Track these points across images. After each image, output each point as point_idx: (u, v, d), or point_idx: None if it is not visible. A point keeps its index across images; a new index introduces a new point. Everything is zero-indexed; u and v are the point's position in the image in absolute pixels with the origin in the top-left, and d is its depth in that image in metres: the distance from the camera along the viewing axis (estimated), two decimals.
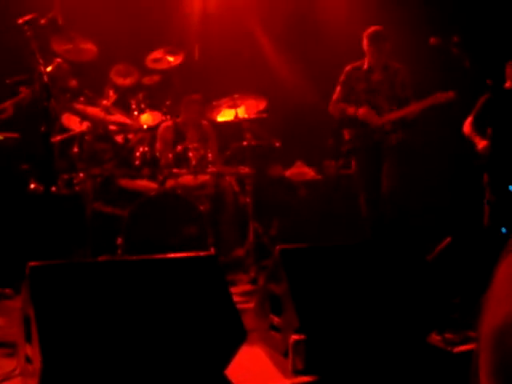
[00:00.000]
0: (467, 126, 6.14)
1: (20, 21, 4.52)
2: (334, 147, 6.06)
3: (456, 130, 6.25)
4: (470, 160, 6.24)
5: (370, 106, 5.80)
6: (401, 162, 5.83)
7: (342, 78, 6.00)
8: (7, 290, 4.98)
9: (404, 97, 5.83)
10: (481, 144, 5.99)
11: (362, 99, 5.87)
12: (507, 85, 6.11)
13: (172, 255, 3.53)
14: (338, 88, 6.00)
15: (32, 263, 2.96)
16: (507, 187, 5.96)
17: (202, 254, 3.66)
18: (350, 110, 5.83)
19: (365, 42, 5.87)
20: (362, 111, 5.76)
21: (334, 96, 5.99)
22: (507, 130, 5.99)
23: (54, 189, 5.73)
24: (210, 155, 5.67)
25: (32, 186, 5.85)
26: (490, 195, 6.06)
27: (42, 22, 5.04)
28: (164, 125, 6.37)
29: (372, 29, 5.86)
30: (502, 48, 6.94)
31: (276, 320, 3.64)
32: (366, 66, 5.93)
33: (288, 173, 7.55)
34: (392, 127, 5.79)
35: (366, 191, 5.88)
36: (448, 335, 3.87)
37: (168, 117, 6.58)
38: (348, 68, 6.00)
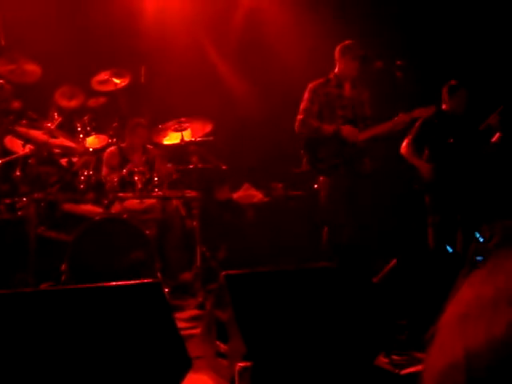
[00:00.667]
0: (405, 148, 6.23)
1: None
2: (309, 165, 5.71)
3: (396, 151, 6.33)
4: (410, 183, 6.34)
5: (346, 122, 5.65)
6: (374, 189, 5.79)
7: (307, 95, 5.76)
8: None
9: (367, 115, 5.79)
10: (424, 168, 6.10)
11: (337, 115, 5.68)
12: (443, 107, 6.26)
13: (115, 283, 3.45)
14: (305, 105, 5.73)
15: None
16: (450, 208, 6.08)
17: (146, 281, 3.60)
18: (327, 129, 5.60)
19: (339, 54, 5.75)
20: (346, 129, 5.57)
21: (301, 115, 5.70)
22: (445, 151, 6.13)
23: None
24: (155, 179, 5.61)
25: None
26: (434, 216, 6.16)
27: None
28: (109, 150, 6.29)
29: (349, 41, 5.77)
30: (442, 71, 7.12)
31: (223, 346, 3.60)
32: (334, 82, 5.77)
33: (236, 195, 7.53)
34: (367, 145, 5.69)
35: (335, 213, 5.64)
36: (395, 357, 3.88)
37: (114, 140, 6.50)
38: (312, 85, 5.78)
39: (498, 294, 0.72)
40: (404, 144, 6.22)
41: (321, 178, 5.81)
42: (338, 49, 5.80)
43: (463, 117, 6.24)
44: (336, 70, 5.82)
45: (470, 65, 7.43)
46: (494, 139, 6.19)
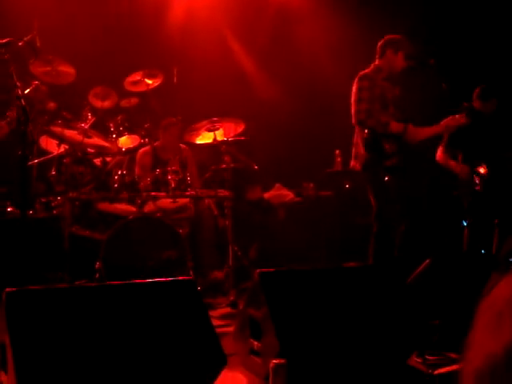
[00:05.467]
0: (440, 155, 6.21)
1: None
2: (374, 161, 5.25)
3: (432, 153, 6.29)
4: (448, 188, 6.29)
5: (396, 119, 5.29)
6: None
7: (366, 83, 5.25)
8: None
9: (409, 115, 5.45)
10: (458, 169, 6.08)
11: (390, 112, 5.32)
12: (475, 107, 6.17)
13: (150, 280, 3.49)
14: (367, 94, 5.22)
15: (8, 289, 2.91)
16: (487, 210, 6.02)
17: (180, 278, 3.63)
18: (397, 127, 5.21)
19: (386, 47, 5.39)
20: (411, 130, 5.22)
21: (365, 104, 5.20)
22: (479, 152, 6.07)
23: (31, 212, 5.67)
24: (188, 178, 5.65)
25: (9, 209, 5.79)
26: (470, 218, 6.11)
27: (20, 44, 5.03)
28: (142, 150, 6.35)
29: (398, 35, 5.45)
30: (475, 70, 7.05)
31: (256, 344, 3.61)
32: (384, 74, 5.36)
33: (267, 195, 7.55)
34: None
35: (393, 213, 5.27)
36: (428, 357, 3.86)
37: (146, 140, 6.56)
38: (365, 73, 5.34)
39: None
40: (439, 152, 6.20)
41: (385, 176, 5.30)
42: (384, 41, 5.44)
43: (494, 116, 6.18)
44: (377, 62, 5.44)
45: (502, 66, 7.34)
46: None
